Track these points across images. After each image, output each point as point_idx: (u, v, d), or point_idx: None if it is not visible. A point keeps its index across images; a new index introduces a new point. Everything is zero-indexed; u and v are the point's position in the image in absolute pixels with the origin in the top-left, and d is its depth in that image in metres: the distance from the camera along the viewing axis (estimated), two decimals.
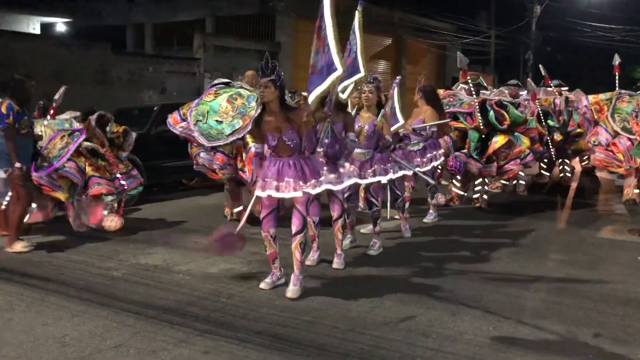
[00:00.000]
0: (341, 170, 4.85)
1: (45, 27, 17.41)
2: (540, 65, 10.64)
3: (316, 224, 5.19)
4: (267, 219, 4.51)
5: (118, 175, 6.42)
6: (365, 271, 5.07)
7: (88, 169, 6.18)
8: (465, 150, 7.58)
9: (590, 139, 8.25)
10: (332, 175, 4.71)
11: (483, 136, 7.59)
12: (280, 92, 4.36)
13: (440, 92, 8.10)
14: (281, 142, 4.37)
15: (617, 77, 8.87)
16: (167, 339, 3.65)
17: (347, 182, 4.90)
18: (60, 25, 18.80)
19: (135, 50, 19.11)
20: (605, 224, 7.15)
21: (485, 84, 9.01)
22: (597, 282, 4.80)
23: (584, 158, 10.73)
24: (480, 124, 7.44)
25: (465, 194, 8.15)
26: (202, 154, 6.78)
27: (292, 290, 4.41)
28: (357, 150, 5.07)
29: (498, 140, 7.46)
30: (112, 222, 6.26)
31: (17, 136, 5.56)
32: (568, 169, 10.21)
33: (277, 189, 4.38)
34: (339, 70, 4.30)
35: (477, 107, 7.47)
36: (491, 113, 7.45)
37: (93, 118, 6.35)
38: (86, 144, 6.24)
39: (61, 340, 3.64)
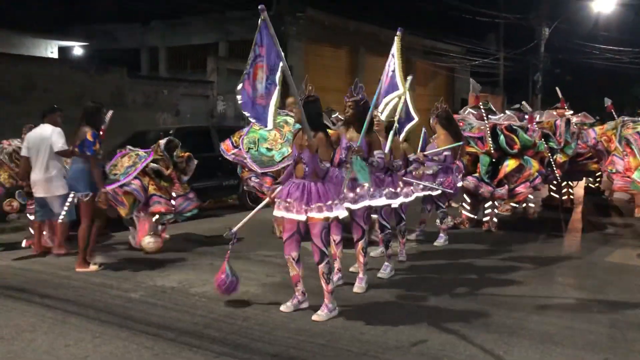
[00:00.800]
0: (358, 190, 4.98)
1: (62, 50, 17.79)
2: (557, 88, 10.79)
3: (337, 243, 5.31)
4: (288, 242, 4.63)
5: (176, 196, 6.85)
6: (378, 294, 5.16)
7: (150, 188, 6.62)
8: (477, 174, 7.69)
9: (608, 168, 8.34)
10: (349, 196, 4.87)
11: (494, 160, 7.73)
12: (308, 112, 4.46)
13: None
14: (299, 162, 4.53)
15: (613, 114, 9.19)
16: None
17: (362, 204, 5.04)
18: (77, 48, 19.21)
19: (150, 74, 19.44)
20: (615, 248, 7.19)
21: (494, 109, 9.13)
22: (607, 307, 4.85)
23: (597, 178, 10.86)
24: (492, 149, 7.58)
25: (476, 217, 8.24)
26: (253, 178, 7.25)
27: (318, 315, 4.51)
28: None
29: (509, 164, 7.60)
30: (152, 243, 6.63)
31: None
32: (572, 191, 10.36)
33: (287, 209, 4.51)
34: (400, 90, 5.30)
35: (489, 131, 7.61)
36: (502, 137, 7.60)
37: (162, 142, 6.88)
38: (152, 165, 6.71)
39: None
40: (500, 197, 7.80)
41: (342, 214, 4.57)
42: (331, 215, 4.46)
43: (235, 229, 4.77)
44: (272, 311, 4.68)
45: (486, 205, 8.11)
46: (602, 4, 23.87)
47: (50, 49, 16.74)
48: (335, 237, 5.35)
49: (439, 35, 23.21)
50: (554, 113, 9.50)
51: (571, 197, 10.41)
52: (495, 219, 8.07)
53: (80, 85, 12.24)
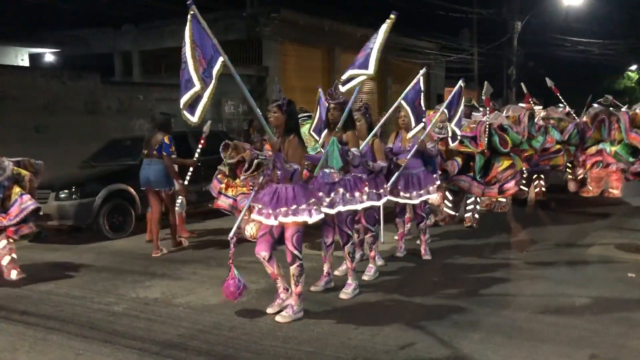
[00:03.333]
0: (332, 195, 4.97)
1: (33, 57, 17.44)
2: (522, 83, 10.94)
3: (327, 245, 5.29)
4: (259, 241, 4.64)
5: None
6: (364, 297, 5.14)
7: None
8: (470, 173, 7.72)
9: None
10: (326, 200, 4.87)
11: (486, 159, 7.78)
12: (287, 117, 4.52)
13: (430, 113, 8.24)
14: (275, 166, 4.51)
15: (559, 97, 10.15)
16: None
17: (338, 208, 5.01)
18: (49, 55, 18.84)
19: (124, 79, 19.18)
20: (594, 240, 7.29)
21: (477, 105, 9.20)
22: (591, 301, 4.91)
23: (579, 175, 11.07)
24: (485, 148, 7.62)
25: (457, 214, 8.28)
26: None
27: (282, 315, 4.57)
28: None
29: (502, 164, 7.65)
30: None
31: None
32: (543, 184, 10.47)
33: (259, 213, 4.59)
34: (370, 71, 4.94)
35: (484, 131, 7.61)
36: (495, 137, 7.64)
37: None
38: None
39: None
40: (490, 195, 7.88)
41: (308, 219, 4.48)
42: (298, 219, 4.43)
43: (231, 233, 4.69)
44: (259, 319, 4.64)
45: (468, 201, 8.16)
46: None
47: (21, 57, 16.39)
48: (327, 239, 5.31)
49: (414, 32, 23.32)
50: (522, 107, 9.60)
51: (543, 189, 10.51)
52: (477, 215, 8.13)
53: (53, 93, 12.02)
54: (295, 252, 4.52)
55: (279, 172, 4.49)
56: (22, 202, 5.98)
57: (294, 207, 4.40)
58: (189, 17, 3.87)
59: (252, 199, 4.91)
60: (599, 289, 5.27)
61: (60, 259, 7.06)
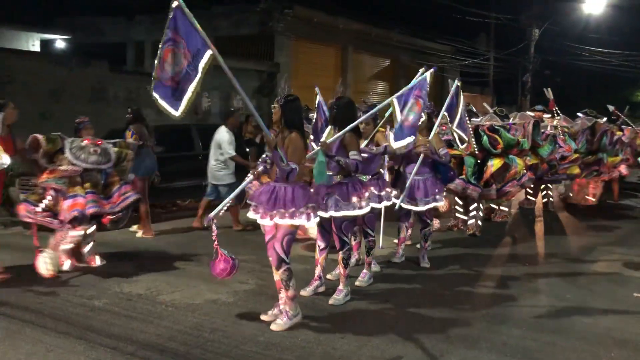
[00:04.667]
0: (325, 200, 4.77)
1: (45, 44, 17.41)
2: (548, 89, 10.74)
3: (321, 249, 5.10)
4: (268, 245, 4.42)
5: None
6: (355, 304, 4.93)
7: None
8: (463, 177, 7.58)
9: None
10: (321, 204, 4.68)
11: (479, 161, 7.65)
12: (285, 113, 4.36)
13: None
14: (274, 164, 4.35)
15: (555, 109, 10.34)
16: None
17: (330, 213, 4.80)
18: (60, 42, 18.81)
19: (134, 69, 19.08)
20: (601, 256, 7.02)
21: (475, 110, 9.04)
22: (592, 321, 4.66)
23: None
24: (475, 150, 7.47)
25: (468, 218, 8.13)
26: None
27: (276, 323, 4.33)
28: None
29: (494, 164, 7.58)
30: None
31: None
32: (552, 194, 10.30)
33: (255, 211, 4.40)
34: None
35: (471, 133, 7.46)
36: (484, 138, 7.56)
37: None
38: None
39: None
40: (488, 197, 7.73)
41: (306, 222, 4.29)
42: (295, 222, 4.23)
43: (212, 214, 4.46)
44: (242, 322, 4.45)
45: (471, 208, 7.96)
46: (593, 5, 23.82)
47: (32, 42, 16.37)
48: (320, 243, 5.12)
49: (429, 34, 23.05)
50: (529, 115, 9.41)
51: (551, 199, 10.31)
52: (480, 222, 7.91)
53: (60, 79, 11.91)
54: (282, 255, 4.30)
55: (277, 171, 4.30)
56: (124, 192, 5.95)
57: (292, 209, 4.20)
58: (173, 7, 3.77)
59: (249, 196, 4.75)
60: (602, 307, 5.02)
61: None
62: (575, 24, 26.56)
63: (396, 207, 5.71)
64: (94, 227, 6.01)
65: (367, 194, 5.04)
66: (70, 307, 4.75)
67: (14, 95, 10.96)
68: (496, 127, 7.73)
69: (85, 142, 5.82)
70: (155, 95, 3.83)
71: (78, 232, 5.75)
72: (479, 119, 8.26)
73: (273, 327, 4.30)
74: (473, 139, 7.41)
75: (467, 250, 7.08)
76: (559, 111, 10.55)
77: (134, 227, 7.78)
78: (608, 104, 11.80)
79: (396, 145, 5.21)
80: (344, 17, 19.85)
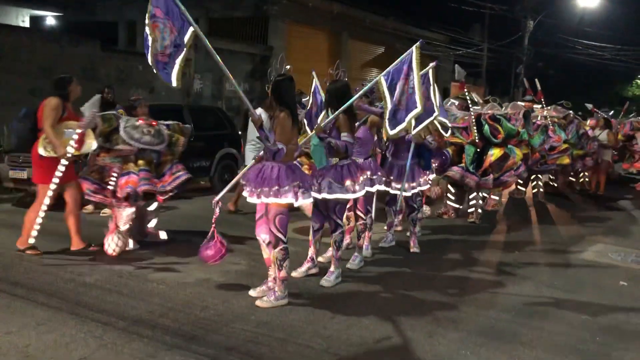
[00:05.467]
0: (321, 181, 4.79)
1: (34, 20, 17.15)
2: (536, 80, 10.82)
3: (314, 230, 5.12)
4: (257, 223, 4.48)
5: None
6: (346, 286, 4.96)
7: None
8: (462, 164, 7.61)
9: None
10: (315, 186, 4.70)
11: (478, 150, 7.66)
12: (273, 93, 4.43)
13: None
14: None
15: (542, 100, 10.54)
16: (134, 353, 3.53)
17: (324, 195, 4.82)
18: (50, 19, 18.54)
19: (126, 48, 18.88)
20: (589, 245, 7.10)
21: (476, 100, 9.02)
22: (578, 307, 4.73)
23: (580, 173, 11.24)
24: (476, 138, 7.50)
25: (461, 207, 8.18)
26: None
27: (263, 300, 4.40)
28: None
29: (494, 154, 7.61)
30: None
31: None
32: (541, 185, 10.41)
33: (244, 189, 4.48)
34: (419, 108, 4.92)
35: (473, 121, 7.53)
36: (486, 127, 7.58)
37: None
38: None
39: (23, 351, 3.50)
40: (485, 186, 7.79)
41: (292, 201, 4.28)
42: (280, 201, 4.25)
43: (217, 197, 4.56)
44: (233, 301, 4.46)
45: (470, 196, 8.04)
46: None
47: (22, 18, 16.11)
48: (314, 224, 5.14)
49: (424, 23, 22.98)
50: (520, 104, 9.48)
51: (540, 190, 10.41)
52: (480, 210, 8.00)
53: (51, 56, 11.75)
54: (279, 234, 4.34)
55: (265, 149, 4.35)
56: (176, 170, 5.92)
57: (276, 187, 4.22)
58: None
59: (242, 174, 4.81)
60: (589, 295, 5.09)
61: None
62: (570, 16, 26.62)
63: (399, 195, 5.85)
64: (156, 204, 6.07)
65: (362, 178, 5.06)
66: (61, 282, 4.74)
67: (3, 71, 10.84)
68: (498, 117, 7.76)
69: (140, 122, 5.80)
70: (155, 69, 4.05)
71: (131, 210, 5.73)
72: (479, 107, 8.27)
73: (258, 302, 4.38)
74: (475, 127, 7.48)
75: (457, 237, 7.14)
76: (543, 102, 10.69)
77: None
78: (586, 103, 12.32)
79: (393, 132, 5.11)
80: (339, 2, 19.73)
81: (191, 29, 3.96)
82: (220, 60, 4.11)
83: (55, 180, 5.40)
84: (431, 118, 5.60)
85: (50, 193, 5.44)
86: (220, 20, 17.58)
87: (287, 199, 4.26)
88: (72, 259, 5.41)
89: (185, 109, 9.88)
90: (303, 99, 7.38)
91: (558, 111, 10.29)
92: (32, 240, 5.49)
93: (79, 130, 5.44)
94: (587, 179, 12.02)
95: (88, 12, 19.49)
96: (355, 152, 5.24)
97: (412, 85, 4.96)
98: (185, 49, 3.98)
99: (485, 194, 8.83)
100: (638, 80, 34.10)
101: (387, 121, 5.04)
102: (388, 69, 5.08)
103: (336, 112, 4.81)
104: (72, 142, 5.42)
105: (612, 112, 13.26)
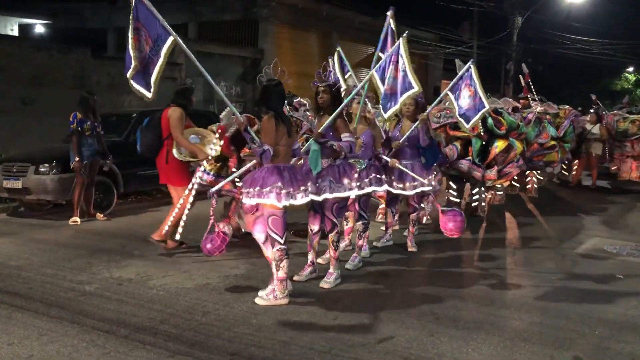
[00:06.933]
0: (319, 181, 4.80)
1: (23, 28, 17.06)
2: (523, 64, 10.93)
3: (314, 233, 5.10)
4: (254, 222, 4.56)
5: None
6: (346, 287, 4.98)
7: None
8: (469, 157, 7.69)
9: None
10: (312, 187, 4.71)
11: (484, 143, 7.75)
12: (261, 96, 4.54)
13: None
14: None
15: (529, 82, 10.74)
16: None
17: (324, 196, 4.84)
18: (39, 27, 18.44)
19: (116, 55, 18.83)
20: (587, 239, 7.16)
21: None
22: (576, 301, 4.77)
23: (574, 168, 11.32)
24: (481, 131, 7.58)
25: (460, 202, 8.22)
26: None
27: (260, 298, 4.49)
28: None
29: (498, 146, 7.74)
30: None
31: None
32: (535, 180, 10.47)
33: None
34: (415, 89, 5.23)
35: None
36: (490, 120, 7.66)
37: None
38: None
39: None
40: (489, 178, 7.86)
41: (275, 202, 4.28)
42: (265, 202, 4.31)
43: (215, 188, 4.61)
44: (234, 305, 4.47)
45: (474, 191, 8.10)
46: None
47: (10, 27, 16.04)
48: (313, 227, 5.13)
49: (413, 22, 23.03)
50: (510, 100, 9.52)
51: (535, 185, 10.47)
52: (484, 204, 8.06)
53: (41, 65, 11.72)
54: (273, 235, 4.40)
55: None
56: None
57: (258, 189, 4.30)
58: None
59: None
60: (587, 288, 5.14)
61: (37, 234, 6.87)
62: (557, 12, 26.79)
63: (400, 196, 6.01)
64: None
65: (355, 176, 5.10)
66: (61, 292, 4.73)
67: None
68: (499, 110, 7.89)
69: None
70: (132, 82, 4.15)
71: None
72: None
73: (257, 300, 4.46)
74: (479, 121, 7.52)
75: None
76: (535, 96, 10.76)
77: (100, 216, 7.78)
78: (591, 94, 12.40)
79: (387, 114, 5.44)
80: (328, 3, 19.76)
81: (170, 38, 4.05)
82: (200, 65, 4.24)
83: (196, 180, 5.79)
84: (483, 110, 5.94)
85: (186, 192, 5.85)
86: (210, 24, 17.57)
87: (270, 199, 4.30)
88: (72, 268, 5.40)
89: None
90: (294, 100, 7.37)
91: (552, 107, 10.33)
92: (177, 237, 5.90)
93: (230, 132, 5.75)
94: (571, 171, 12.13)
95: (77, 19, 19.42)
96: (360, 154, 5.32)
97: (403, 69, 5.27)
98: (162, 60, 4.07)
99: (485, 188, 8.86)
100: (626, 74, 34.36)
101: (380, 106, 5.38)
102: (379, 63, 5.40)
103: (330, 118, 4.85)
104: (212, 146, 5.84)
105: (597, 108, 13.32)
